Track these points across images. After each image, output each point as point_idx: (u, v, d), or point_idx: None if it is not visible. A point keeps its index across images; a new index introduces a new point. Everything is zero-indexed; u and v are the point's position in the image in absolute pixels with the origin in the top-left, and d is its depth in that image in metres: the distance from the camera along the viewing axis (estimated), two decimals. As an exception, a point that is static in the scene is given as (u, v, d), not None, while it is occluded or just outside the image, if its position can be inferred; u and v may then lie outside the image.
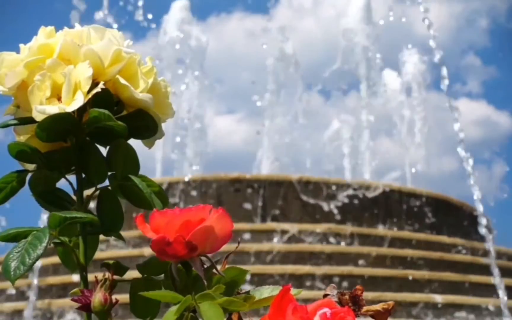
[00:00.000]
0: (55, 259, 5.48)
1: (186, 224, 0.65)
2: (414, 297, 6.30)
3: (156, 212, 0.66)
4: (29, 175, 0.77)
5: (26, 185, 0.77)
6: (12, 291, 6.52)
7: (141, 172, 0.78)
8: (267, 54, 11.76)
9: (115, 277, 0.71)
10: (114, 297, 0.70)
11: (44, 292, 6.37)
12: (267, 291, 0.67)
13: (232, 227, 0.67)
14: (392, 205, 8.01)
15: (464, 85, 23.96)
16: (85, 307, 0.70)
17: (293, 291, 0.62)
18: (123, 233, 0.78)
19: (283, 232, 7.04)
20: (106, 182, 0.77)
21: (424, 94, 12.28)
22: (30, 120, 0.74)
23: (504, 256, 7.97)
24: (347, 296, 0.66)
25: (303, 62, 12.50)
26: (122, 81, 0.75)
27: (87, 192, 0.78)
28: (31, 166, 0.77)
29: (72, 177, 0.78)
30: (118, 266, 0.73)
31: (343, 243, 7.08)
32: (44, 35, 0.76)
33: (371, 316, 0.67)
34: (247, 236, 6.93)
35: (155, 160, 10.99)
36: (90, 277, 0.74)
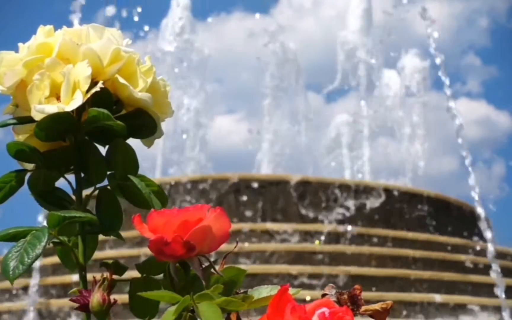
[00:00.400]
0: (55, 259, 5.48)
1: (184, 224, 0.65)
2: (414, 297, 6.30)
3: (154, 212, 0.66)
4: (28, 174, 0.77)
5: (25, 185, 0.77)
6: (11, 290, 6.52)
7: (140, 171, 0.78)
8: (267, 54, 11.75)
9: (114, 276, 0.71)
10: (113, 297, 0.70)
11: (44, 292, 6.36)
12: (266, 291, 0.67)
13: (230, 227, 0.66)
14: (392, 205, 8.00)
15: (464, 84, 23.96)
16: (83, 307, 0.70)
17: (291, 290, 0.62)
18: (123, 232, 0.78)
19: (283, 232, 7.04)
20: (105, 182, 0.77)
21: (424, 94, 12.28)
22: (29, 120, 0.74)
23: (504, 256, 7.96)
24: (345, 296, 0.66)
25: (303, 62, 12.51)
26: (121, 80, 0.75)
27: (86, 192, 0.78)
28: (30, 166, 0.77)
29: (71, 177, 0.78)
30: (117, 266, 0.73)
31: (343, 243, 7.08)
32: (43, 34, 0.76)
33: (370, 315, 0.67)
34: (247, 236, 6.92)
35: (155, 160, 11.00)
36: (89, 277, 0.74)
